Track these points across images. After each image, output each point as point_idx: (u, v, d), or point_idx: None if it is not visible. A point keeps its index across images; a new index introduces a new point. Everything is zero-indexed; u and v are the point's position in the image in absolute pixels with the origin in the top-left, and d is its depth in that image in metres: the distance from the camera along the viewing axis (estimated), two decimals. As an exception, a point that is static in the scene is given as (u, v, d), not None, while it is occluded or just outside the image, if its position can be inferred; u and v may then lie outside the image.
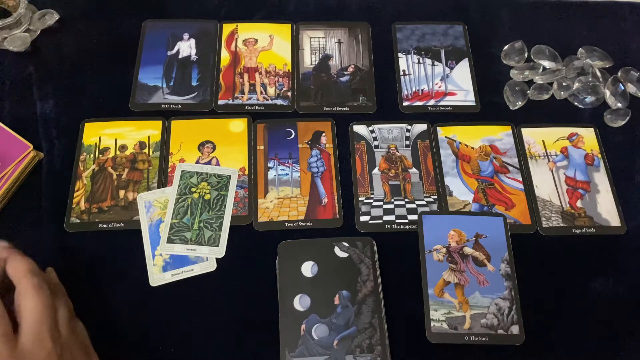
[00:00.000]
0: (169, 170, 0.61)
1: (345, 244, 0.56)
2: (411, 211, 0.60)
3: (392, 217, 0.60)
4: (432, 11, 0.75)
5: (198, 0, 0.74)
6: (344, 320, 0.53)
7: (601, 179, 0.63)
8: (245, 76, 0.68)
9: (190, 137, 0.63)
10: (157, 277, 0.55)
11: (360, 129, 0.65)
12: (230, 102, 0.66)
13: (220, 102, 0.66)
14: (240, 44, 0.71)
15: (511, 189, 0.62)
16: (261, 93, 0.67)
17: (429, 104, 0.67)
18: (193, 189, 0.60)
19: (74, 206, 0.59)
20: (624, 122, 0.66)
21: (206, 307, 0.54)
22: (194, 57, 0.69)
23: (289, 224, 0.59)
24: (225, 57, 0.70)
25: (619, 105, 0.67)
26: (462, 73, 0.70)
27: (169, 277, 0.55)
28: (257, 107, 0.66)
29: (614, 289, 0.57)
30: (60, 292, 0.49)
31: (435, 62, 0.71)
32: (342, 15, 0.74)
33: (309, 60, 0.70)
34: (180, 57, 0.69)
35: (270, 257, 0.56)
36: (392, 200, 0.61)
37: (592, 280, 0.57)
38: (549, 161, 0.64)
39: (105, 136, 0.63)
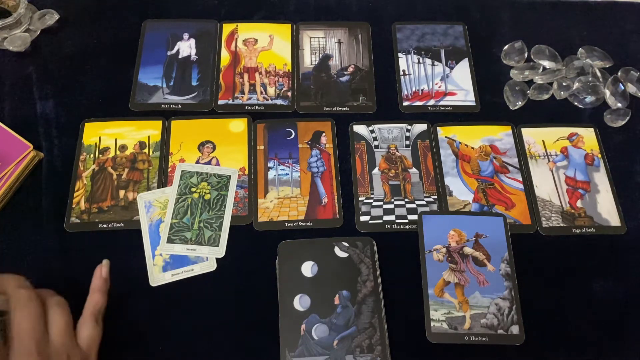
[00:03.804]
0: (169, 170, 0.61)
1: (345, 244, 0.56)
2: (411, 211, 0.60)
3: (392, 217, 0.60)
4: (432, 11, 0.75)
5: (198, 0, 0.74)
6: (344, 320, 0.53)
7: (601, 179, 0.63)
8: (245, 76, 0.68)
9: (190, 137, 0.63)
10: (157, 277, 0.55)
11: (360, 129, 0.65)
12: (230, 102, 0.66)
13: (220, 102, 0.66)
14: (240, 44, 0.71)
15: (511, 189, 0.62)
16: (261, 93, 0.67)
17: (429, 104, 0.67)
18: (193, 189, 0.60)
19: (74, 206, 0.59)
20: (624, 122, 0.66)
21: (206, 307, 0.54)
22: (194, 57, 0.69)
23: (289, 224, 0.59)
24: (225, 57, 0.70)
25: (619, 105, 0.67)
26: (462, 73, 0.70)
27: (169, 277, 0.55)
28: (257, 107, 0.66)
29: (614, 289, 0.57)
30: (99, 290, 0.51)
31: (435, 62, 0.71)
32: (342, 15, 0.74)
33: (309, 60, 0.70)
34: (180, 57, 0.69)
35: (270, 257, 0.56)
36: (392, 200, 0.61)
37: (592, 280, 0.57)
38: (549, 161, 0.64)
39: (105, 136, 0.63)
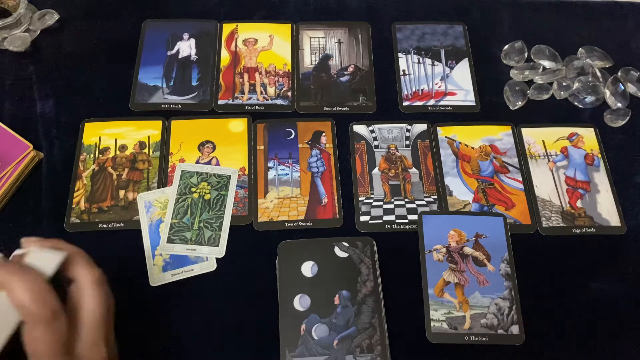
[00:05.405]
0: (169, 170, 0.61)
1: (345, 244, 0.56)
2: (411, 211, 0.60)
3: (392, 217, 0.60)
4: (432, 11, 0.75)
5: (198, 0, 0.74)
6: (344, 320, 0.53)
7: (601, 179, 0.63)
8: (245, 76, 0.68)
9: (190, 137, 0.63)
10: (157, 277, 0.55)
11: (360, 129, 0.65)
12: (230, 102, 0.66)
13: (220, 102, 0.66)
14: (240, 44, 0.71)
15: (511, 189, 0.62)
16: (261, 93, 0.67)
17: (429, 103, 0.67)
18: (193, 189, 0.60)
19: (74, 206, 0.59)
20: (624, 122, 0.66)
21: (206, 307, 0.54)
22: (194, 57, 0.69)
23: (289, 224, 0.59)
24: (225, 57, 0.70)
25: (619, 105, 0.67)
26: (462, 73, 0.70)
27: (169, 277, 0.55)
28: (257, 107, 0.66)
29: (614, 289, 0.57)
30: None
31: (435, 62, 0.71)
32: (342, 15, 0.74)
33: (309, 60, 0.70)
34: (180, 57, 0.69)
35: (270, 257, 0.56)
36: (392, 200, 0.61)
37: (592, 280, 0.57)
38: (549, 161, 0.64)
39: (105, 136, 0.63)
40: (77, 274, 0.40)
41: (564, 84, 0.68)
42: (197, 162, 0.62)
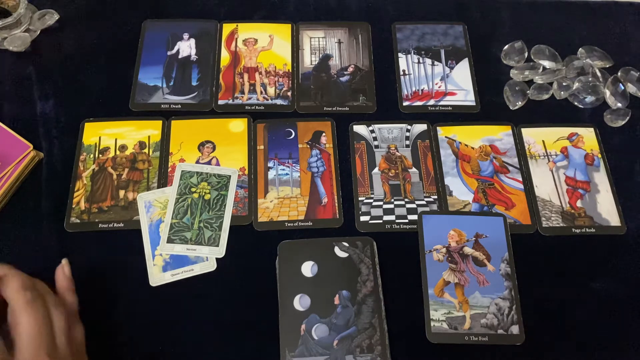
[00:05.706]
0: (169, 170, 0.61)
1: (345, 244, 0.56)
2: (411, 211, 0.60)
3: (392, 217, 0.60)
4: (432, 11, 0.75)
5: (198, 0, 0.74)
6: (344, 320, 0.53)
7: (601, 179, 0.63)
8: (245, 76, 0.68)
9: (190, 137, 0.63)
10: (157, 277, 0.55)
11: (360, 129, 0.65)
12: (230, 102, 0.66)
13: (220, 102, 0.66)
14: (240, 44, 0.71)
15: (511, 189, 0.62)
16: (261, 93, 0.67)
17: (429, 103, 0.67)
18: (193, 189, 0.60)
19: (74, 206, 0.59)
20: (624, 122, 0.66)
21: (206, 306, 0.54)
22: (194, 57, 0.69)
23: (289, 224, 0.59)
24: (225, 57, 0.70)
25: (619, 105, 0.67)
26: (462, 73, 0.70)
27: (169, 277, 0.55)
28: (257, 107, 0.66)
29: (614, 289, 0.57)
30: (69, 290, 0.49)
31: (435, 62, 0.71)
32: (342, 15, 0.74)
33: (309, 60, 0.70)
34: (180, 57, 0.69)
35: (270, 257, 0.56)
36: (392, 200, 0.61)
37: (592, 280, 0.57)
38: (549, 161, 0.64)
39: (105, 136, 0.63)
40: (9, 296, 0.43)
41: (564, 84, 0.68)
42: (197, 162, 0.62)
